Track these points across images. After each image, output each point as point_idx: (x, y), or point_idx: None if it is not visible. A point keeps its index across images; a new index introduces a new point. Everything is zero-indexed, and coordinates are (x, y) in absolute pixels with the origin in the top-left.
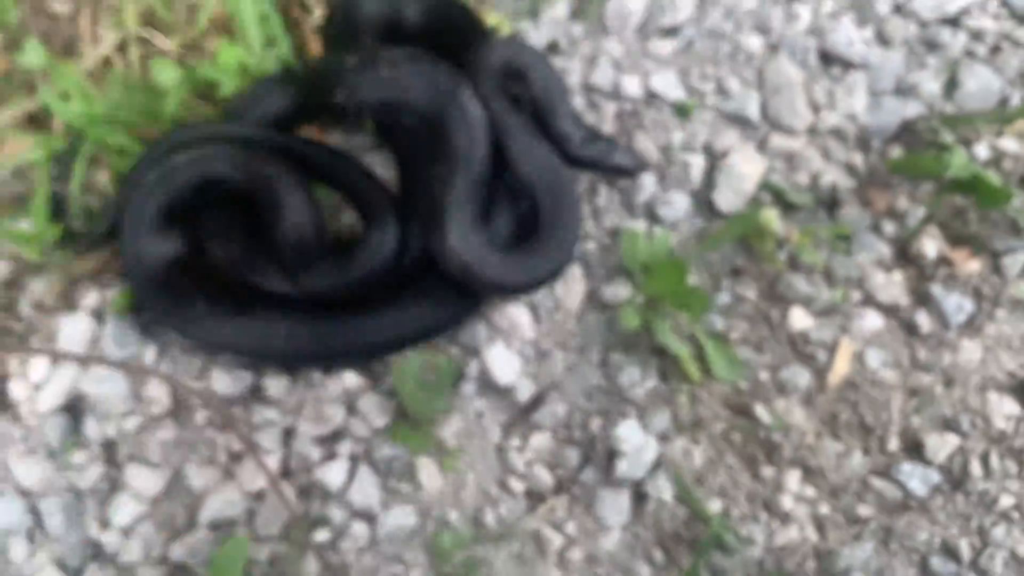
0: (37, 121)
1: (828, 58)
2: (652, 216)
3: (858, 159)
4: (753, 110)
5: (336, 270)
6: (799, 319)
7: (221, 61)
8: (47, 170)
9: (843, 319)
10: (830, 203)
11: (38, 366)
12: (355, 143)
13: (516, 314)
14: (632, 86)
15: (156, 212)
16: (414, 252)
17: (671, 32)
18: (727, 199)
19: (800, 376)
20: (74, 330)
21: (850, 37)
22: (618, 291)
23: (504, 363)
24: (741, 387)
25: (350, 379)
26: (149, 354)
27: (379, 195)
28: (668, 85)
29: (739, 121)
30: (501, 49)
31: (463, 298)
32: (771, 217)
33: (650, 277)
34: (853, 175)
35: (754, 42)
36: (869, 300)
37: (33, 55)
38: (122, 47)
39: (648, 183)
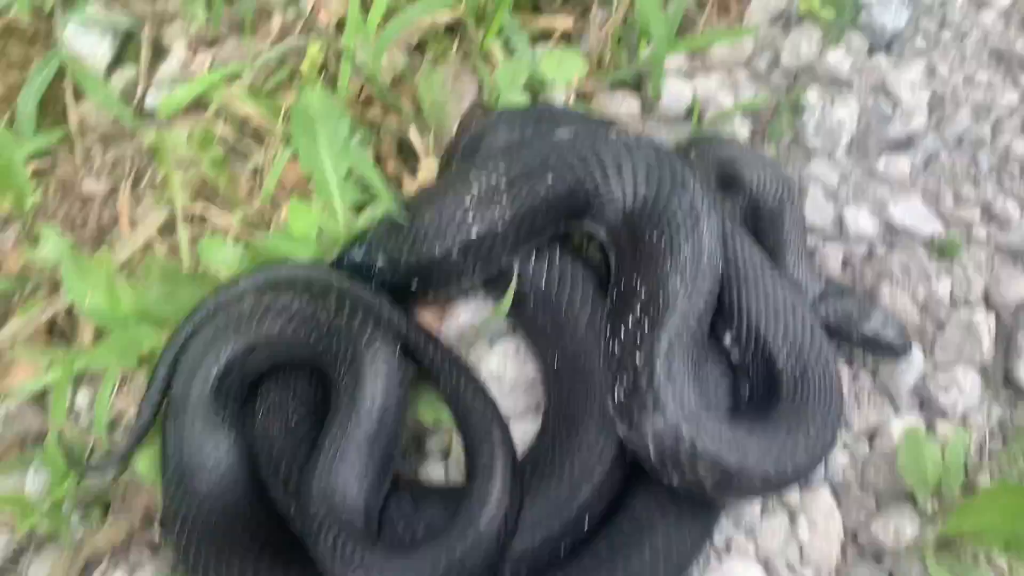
0: (61, 332)
1: None
2: (926, 406)
3: None
4: None
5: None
6: None
7: (294, 229)
8: (65, 398)
9: None
10: None
11: None
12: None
13: (740, 572)
14: (862, 221)
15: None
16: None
17: (904, 145)
18: None
19: None
20: None
21: None
22: (900, 526)
23: None
24: None
25: None
26: None
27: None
28: (914, 216)
29: None
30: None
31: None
32: None
33: (961, 510)
34: None
35: None
36: None
37: (50, 247)
38: (168, 228)
39: (916, 357)
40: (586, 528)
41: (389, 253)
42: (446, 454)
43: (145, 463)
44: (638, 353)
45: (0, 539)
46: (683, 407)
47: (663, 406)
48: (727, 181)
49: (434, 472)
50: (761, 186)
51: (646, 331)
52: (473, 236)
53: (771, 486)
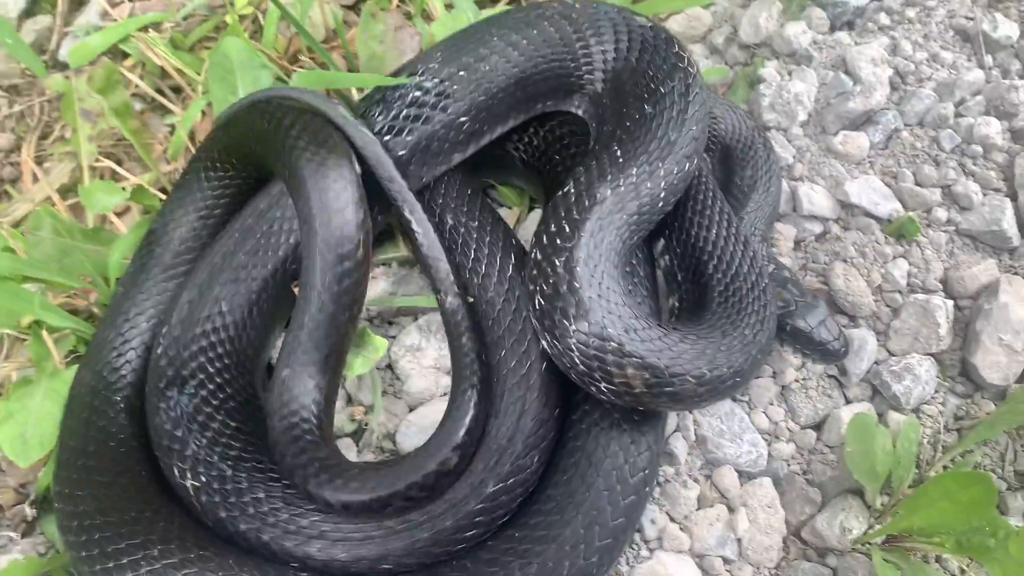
0: None
1: None
2: (879, 395)
3: None
4: (1009, 225)
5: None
6: None
7: None
8: None
9: None
10: None
11: None
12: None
13: (674, 570)
14: (817, 199)
15: None
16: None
17: (863, 122)
18: (995, 363)
19: None
20: None
21: None
22: (846, 522)
23: None
24: None
25: None
26: None
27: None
28: (872, 195)
29: (991, 242)
30: None
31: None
32: None
33: (912, 502)
34: None
35: (991, 128)
36: None
37: None
38: (75, 189)
39: (869, 343)
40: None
41: None
42: None
43: (8, 436)
44: (559, 255)
45: None
46: (608, 310)
47: (586, 308)
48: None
49: None
50: (733, 132)
51: (567, 231)
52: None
53: (710, 389)
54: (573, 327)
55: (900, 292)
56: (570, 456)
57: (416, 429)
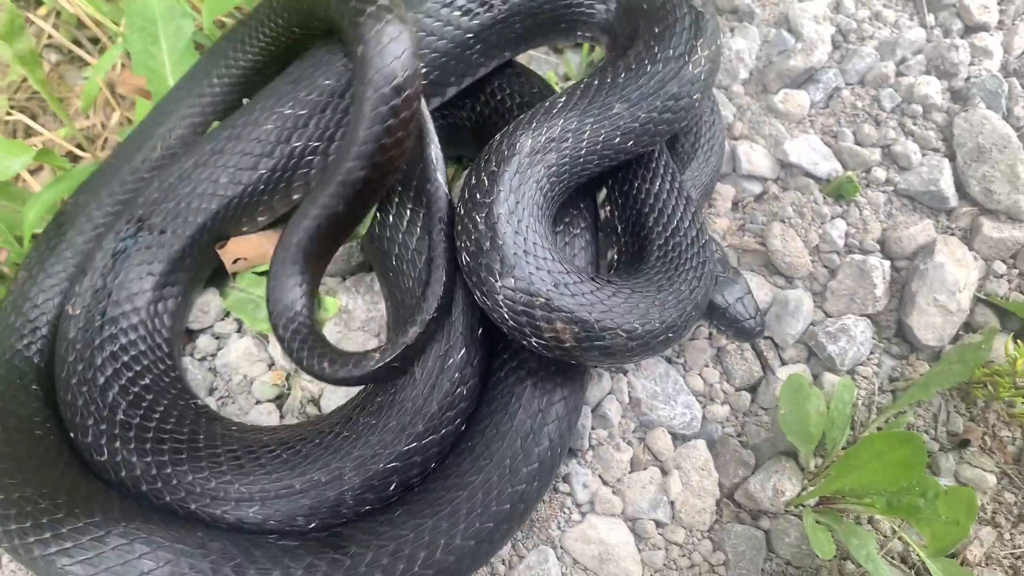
0: None
1: None
2: (814, 356)
3: None
4: (947, 186)
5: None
6: None
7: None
8: None
9: None
10: None
11: None
12: None
13: (606, 535)
14: (756, 159)
15: None
16: None
17: (804, 80)
18: (932, 323)
19: None
20: None
21: None
22: (779, 484)
23: None
24: None
25: None
26: None
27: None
28: (811, 154)
29: (929, 203)
30: None
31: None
32: (1015, 348)
33: (843, 463)
34: None
35: (931, 88)
36: None
37: None
38: None
39: (805, 304)
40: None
41: None
42: None
43: None
44: (480, 210)
45: None
46: (535, 265)
47: (511, 264)
48: None
49: None
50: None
51: (486, 185)
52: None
53: (642, 344)
54: (499, 283)
55: (837, 253)
56: (487, 406)
57: (342, 393)
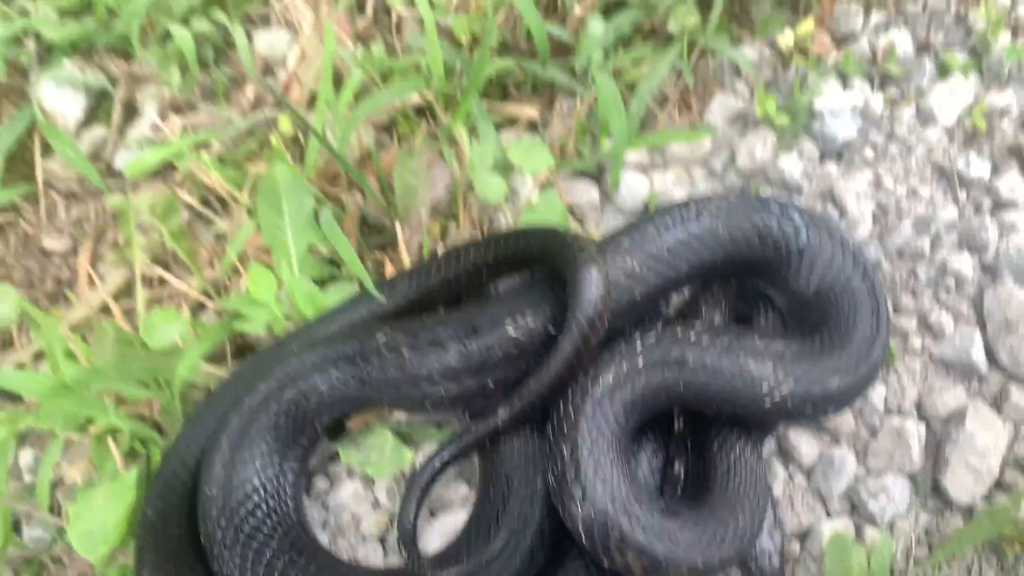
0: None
1: None
2: (856, 510)
3: None
4: (978, 355)
5: None
6: None
7: (254, 294)
8: (7, 457)
9: None
10: None
11: None
12: None
13: None
14: None
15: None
16: None
17: None
18: (964, 484)
19: None
20: None
21: None
22: None
23: None
24: None
25: None
26: None
27: None
28: None
29: (962, 371)
30: None
31: None
32: None
33: None
34: None
35: (963, 262)
36: None
37: (4, 306)
38: (127, 289)
39: (848, 462)
40: None
41: None
42: None
43: (77, 533)
44: (565, 442)
45: None
46: (611, 496)
47: (590, 497)
48: None
49: None
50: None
51: (572, 419)
52: None
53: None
54: (580, 512)
55: (878, 415)
56: None
57: (438, 535)
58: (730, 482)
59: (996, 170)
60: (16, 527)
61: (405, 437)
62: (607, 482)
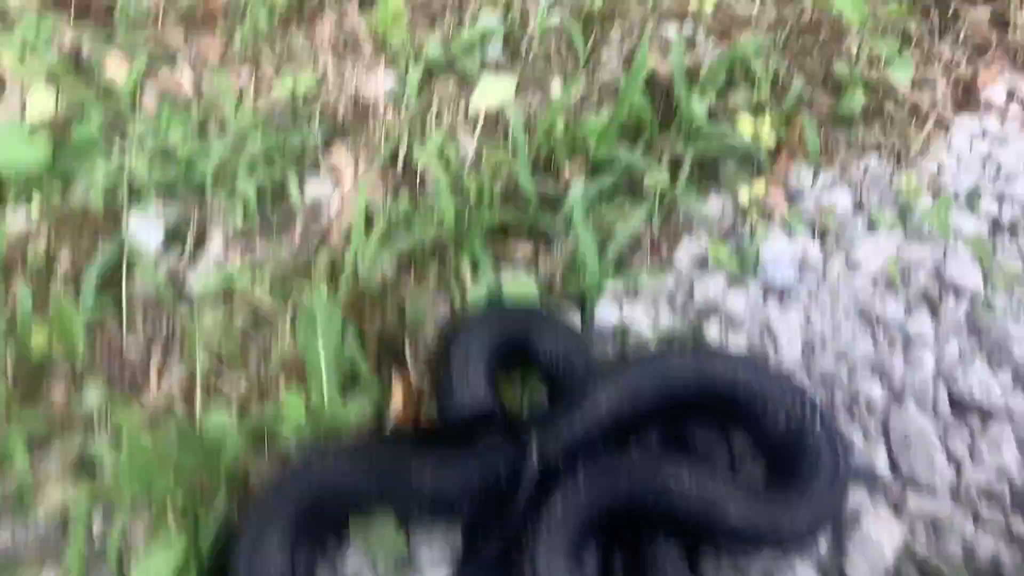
0: (88, 468)
1: (962, 405)
2: None
3: (1020, 525)
4: (882, 465)
5: None
6: None
7: (287, 415)
8: (83, 525)
9: None
10: None
11: None
12: None
13: None
14: None
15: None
16: None
17: None
18: (862, 573)
19: None
20: None
21: (985, 383)
22: None
23: None
24: None
25: None
26: None
27: None
28: None
29: (866, 477)
30: None
31: None
32: None
33: None
34: (1017, 545)
35: (873, 389)
36: None
37: (92, 395)
38: (189, 393)
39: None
40: None
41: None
42: None
43: None
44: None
45: None
46: None
47: None
48: None
49: None
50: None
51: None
52: None
53: None
54: None
55: None
56: None
57: None
58: None
59: (909, 312)
60: None
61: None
62: None
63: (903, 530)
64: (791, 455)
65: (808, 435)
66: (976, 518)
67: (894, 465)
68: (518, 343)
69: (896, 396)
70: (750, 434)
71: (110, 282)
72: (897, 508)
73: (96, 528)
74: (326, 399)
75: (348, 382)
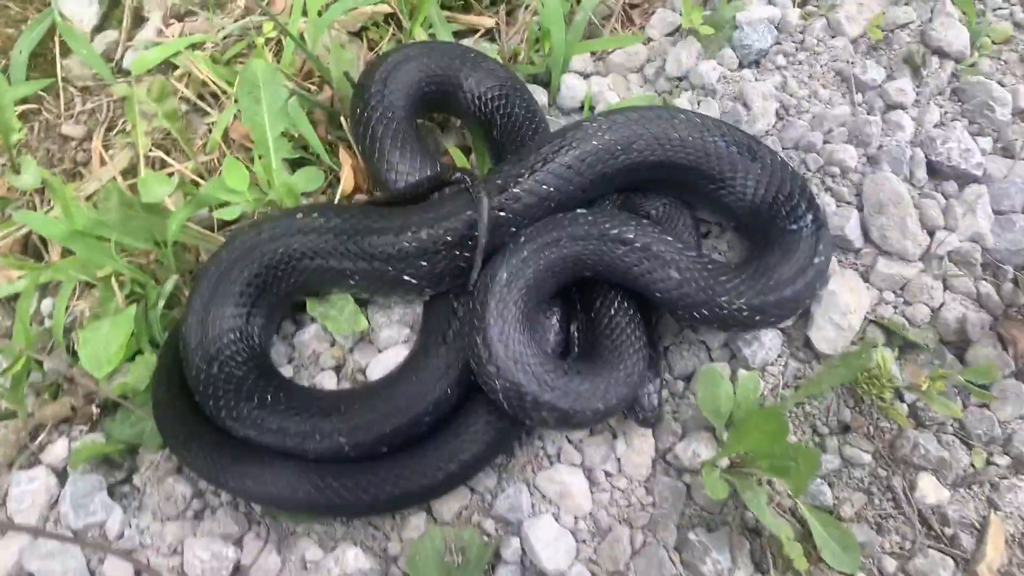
0: (35, 249)
1: (939, 172)
2: (735, 357)
3: (989, 289)
4: (854, 231)
5: None
6: (931, 490)
7: (228, 182)
8: (30, 302)
9: (990, 490)
10: (958, 343)
11: None
12: None
13: (567, 478)
14: None
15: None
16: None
17: None
18: (828, 337)
19: (939, 567)
20: (26, 490)
21: (965, 147)
22: (697, 450)
23: (552, 542)
24: None
25: (354, 558)
26: (114, 521)
27: None
28: None
29: (838, 244)
30: None
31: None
32: (887, 358)
33: (738, 432)
34: (984, 308)
35: (849, 154)
36: (1021, 465)
37: (28, 176)
38: (133, 171)
39: None
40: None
41: None
42: None
43: (86, 355)
44: (478, 332)
45: None
46: (521, 369)
47: (504, 373)
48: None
49: None
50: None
51: (480, 312)
52: None
53: (602, 417)
54: (497, 385)
55: None
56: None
57: (382, 366)
58: (613, 337)
59: (890, 76)
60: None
61: (363, 306)
62: (517, 360)
63: (871, 296)
64: (765, 227)
65: (784, 207)
66: (945, 283)
67: (865, 232)
68: (443, 82)
69: (872, 161)
70: (716, 202)
71: (43, 62)
72: (866, 274)
73: (45, 309)
74: (273, 168)
75: (293, 152)
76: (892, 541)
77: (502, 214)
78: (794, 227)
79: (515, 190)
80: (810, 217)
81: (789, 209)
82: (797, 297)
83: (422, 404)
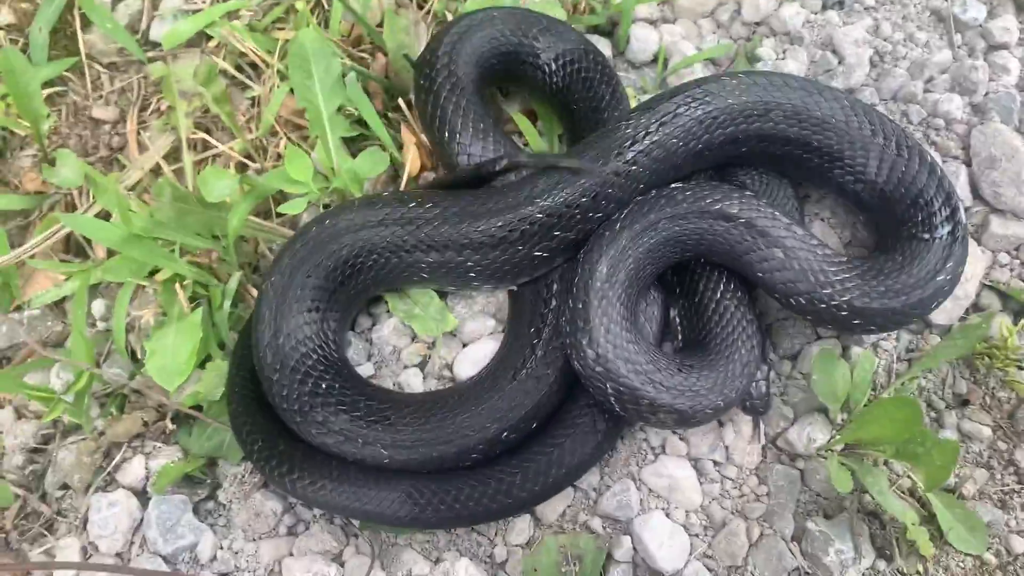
0: (78, 247)
1: None
2: (843, 335)
3: None
4: (963, 188)
5: None
6: None
7: (290, 172)
8: (84, 306)
9: None
10: None
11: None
12: None
13: (675, 471)
14: None
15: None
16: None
17: None
18: (941, 307)
19: None
20: (108, 516)
21: None
22: (812, 434)
23: (666, 540)
24: (987, 559)
25: (464, 570)
26: (205, 544)
27: None
28: None
29: None
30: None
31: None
32: (1008, 327)
33: (863, 419)
34: None
35: (954, 104)
36: None
37: (67, 171)
38: (173, 153)
39: None
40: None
41: None
42: None
43: (154, 367)
44: (583, 335)
45: (28, 427)
46: (630, 367)
47: (613, 372)
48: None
49: None
50: None
51: (581, 311)
52: None
53: (722, 412)
54: (608, 389)
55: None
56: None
57: (469, 362)
58: (723, 323)
59: (992, 14)
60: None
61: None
62: (627, 361)
63: (985, 259)
64: (895, 228)
65: (921, 212)
66: None
67: (975, 188)
68: (514, 51)
69: (978, 110)
70: (842, 190)
71: (64, 39)
72: (979, 234)
73: (97, 311)
74: (332, 150)
75: (350, 128)
76: (1019, 518)
77: (634, 168)
78: (926, 236)
79: (645, 143)
80: (947, 229)
81: (926, 216)
82: (906, 311)
83: (520, 412)
